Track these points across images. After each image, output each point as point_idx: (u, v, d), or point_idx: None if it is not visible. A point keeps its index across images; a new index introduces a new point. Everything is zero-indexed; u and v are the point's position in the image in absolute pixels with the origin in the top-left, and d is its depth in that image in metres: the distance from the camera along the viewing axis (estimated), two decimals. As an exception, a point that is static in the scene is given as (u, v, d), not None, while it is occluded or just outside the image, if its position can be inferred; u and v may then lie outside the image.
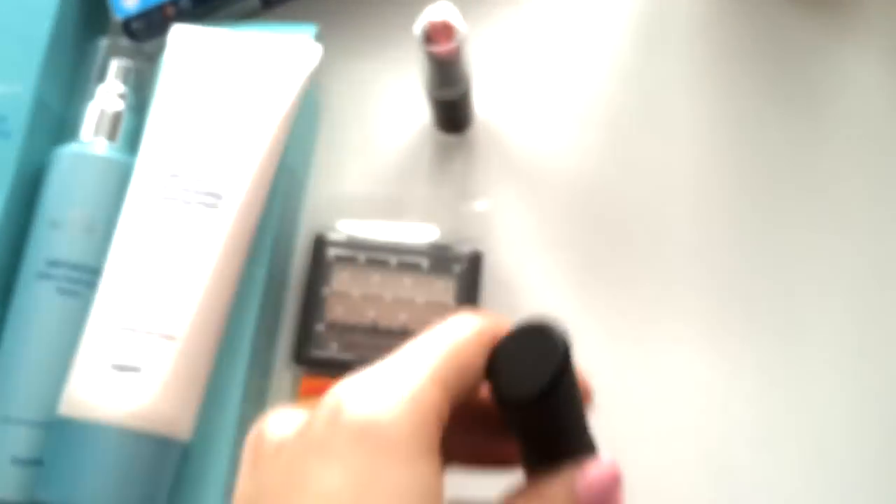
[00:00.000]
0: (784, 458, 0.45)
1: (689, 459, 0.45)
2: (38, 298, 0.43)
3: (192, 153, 0.43)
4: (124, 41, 0.49)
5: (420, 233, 0.47)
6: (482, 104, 0.50)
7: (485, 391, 0.27)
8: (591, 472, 0.25)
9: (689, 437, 0.45)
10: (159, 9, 0.49)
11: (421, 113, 0.51)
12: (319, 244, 0.47)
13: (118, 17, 0.49)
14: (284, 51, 0.46)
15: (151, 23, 0.49)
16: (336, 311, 0.46)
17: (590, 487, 0.25)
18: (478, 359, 0.25)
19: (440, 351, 0.25)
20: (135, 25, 0.49)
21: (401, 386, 0.24)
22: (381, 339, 0.45)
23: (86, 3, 0.50)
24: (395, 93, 0.51)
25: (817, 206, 0.48)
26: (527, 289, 0.48)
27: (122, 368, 0.39)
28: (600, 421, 0.28)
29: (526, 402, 0.25)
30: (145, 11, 0.49)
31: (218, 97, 0.44)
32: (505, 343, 0.26)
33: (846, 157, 0.49)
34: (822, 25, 0.51)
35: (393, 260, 0.46)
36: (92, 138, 0.46)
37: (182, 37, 0.46)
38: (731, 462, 0.45)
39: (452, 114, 0.48)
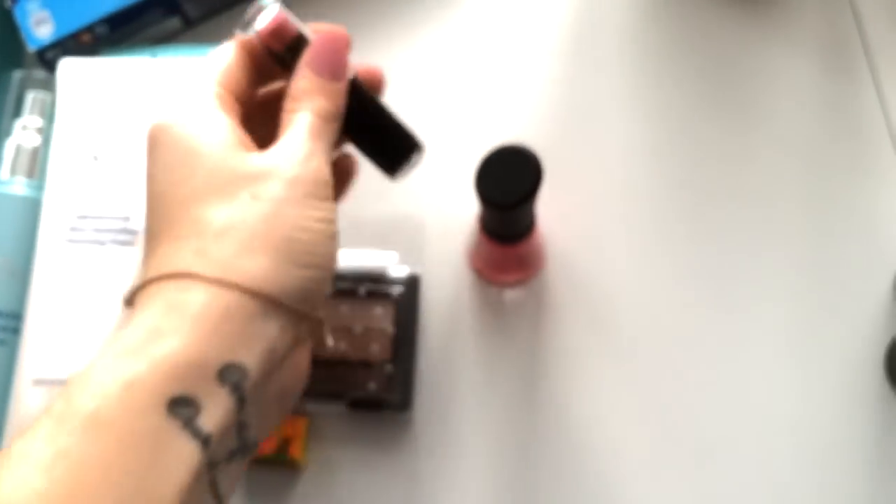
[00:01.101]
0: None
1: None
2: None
3: (99, 190, 0.42)
4: (40, 72, 0.48)
5: (378, 258, 0.46)
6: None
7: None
8: (314, 44, 0.33)
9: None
10: (74, 36, 0.47)
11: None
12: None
13: (31, 47, 0.47)
14: (186, 76, 0.45)
15: (67, 51, 0.47)
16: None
17: (314, 53, 0.33)
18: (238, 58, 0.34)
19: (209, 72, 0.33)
20: (50, 55, 0.47)
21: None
22: (321, 370, 0.44)
23: (-3, 35, 0.48)
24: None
25: (750, 215, 0.48)
26: (465, 311, 0.47)
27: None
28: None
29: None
30: (60, 40, 0.47)
31: (119, 128, 0.43)
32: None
33: (779, 164, 0.48)
34: (752, 25, 0.50)
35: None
36: (10, 177, 0.45)
37: (72, 70, 0.45)
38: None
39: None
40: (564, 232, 0.47)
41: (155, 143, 0.31)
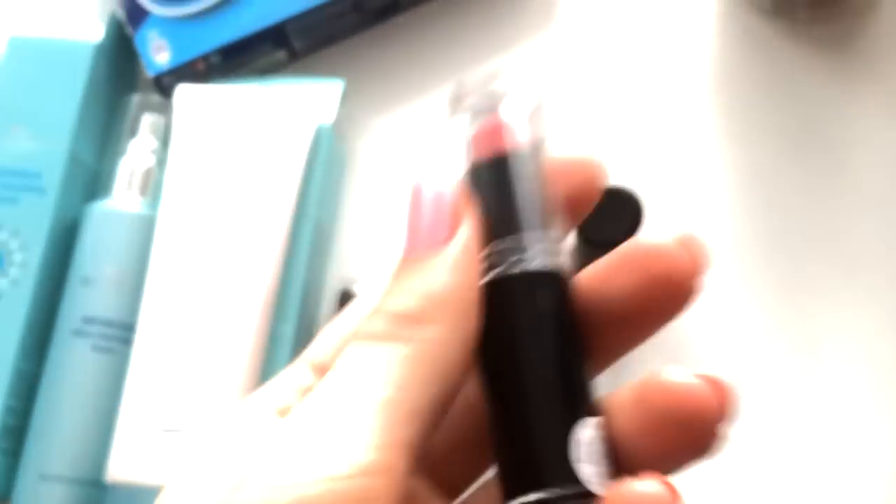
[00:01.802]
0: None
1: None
2: (73, 356, 0.44)
3: (212, 211, 0.44)
4: (155, 97, 0.50)
5: None
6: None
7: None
8: None
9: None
10: (190, 64, 0.50)
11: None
12: (346, 300, 0.48)
13: (150, 73, 0.50)
14: (297, 102, 0.47)
15: (182, 78, 0.50)
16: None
17: None
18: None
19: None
20: (166, 81, 0.50)
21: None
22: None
23: (118, 60, 0.51)
24: (421, 147, 0.52)
25: (832, 259, 0.48)
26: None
27: (169, 430, 0.40)
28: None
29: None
30: (176, 67, 0.50)
31: (231, 152, 0.46)
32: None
33: (861, 210, 0.49)
34: (839, 78, 0.52)
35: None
36: (124, 194, 0.47)
37: (188, 96, 0.47)
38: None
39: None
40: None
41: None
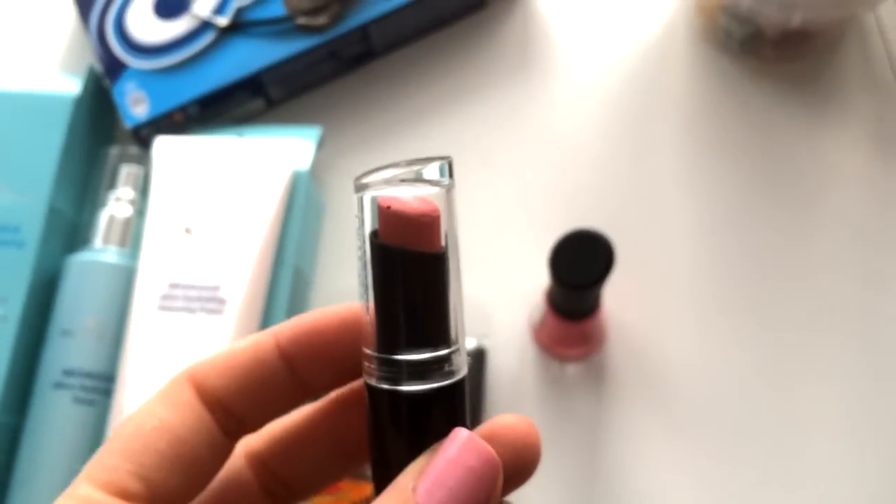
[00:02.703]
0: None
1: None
2: (54, 408, 0.44)
3: (191, 260, 0.45)
4: (134, 148, 0.51)
5: None
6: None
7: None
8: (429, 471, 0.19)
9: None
10: (168, 116, 0.51)
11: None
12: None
13: (128, 125, 0.50)
14: (274, 150, 0.48)
15: (161, 129, 0.51)
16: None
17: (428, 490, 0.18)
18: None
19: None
20: (144, 132, 0.51)
21: None
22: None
23: (96, 113, 0.51)
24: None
25: (806, 294, 0.49)
26: (528, 383, 0.49)
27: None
28: None
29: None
30: (154, 119, 0.50)
31: (209, 202, 0.46)
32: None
33: (834, 244, 0.50)
34: (806, 114, 0.53)
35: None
36: (102, 245, 0.48)
37: (166, 147, 0.48)
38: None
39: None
40: (626, 309, 0.49)
41: None
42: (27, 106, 0.49)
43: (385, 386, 0.20)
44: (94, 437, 0.43)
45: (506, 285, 0.50)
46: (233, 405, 0.21)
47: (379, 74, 0.55)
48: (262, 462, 0.22)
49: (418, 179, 0.20)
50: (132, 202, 0.49)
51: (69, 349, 0.45)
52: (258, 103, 0.53)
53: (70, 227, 0.49)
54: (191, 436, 0.20)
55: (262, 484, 0.22)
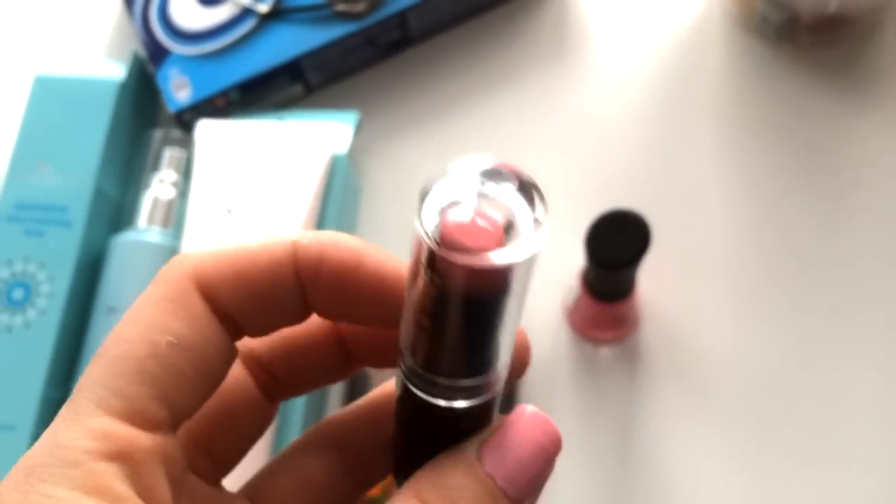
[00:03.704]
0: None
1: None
2: (99, 383, 0.45)
3: (231, 240, 0.45)
4: (176, 132, 0.52)
5: None
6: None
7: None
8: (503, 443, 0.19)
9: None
10: (209, 100, 0.52)
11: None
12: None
13: (171, 109, 0.51)
14: (313, 134, 0.49)
15: (202, 113, 0.52)
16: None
17: (507, 469, 0.18)
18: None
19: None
20: (187, 117, 0.52)
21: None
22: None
23: (140, 97, 0.53)
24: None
25: (842, 280, 0.49)
26: (561, 367, 0.49)
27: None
28: None
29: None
30: (196, 103, 0.51)
31: (250, 184, 0.47)
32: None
33: (870, 230, 0.50)
34: (843, 101, 0.53)
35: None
36: (147, 225, 0.49)
37: (209, 131, 0.49)
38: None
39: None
40: (660, 292, 0.49)
41: None
42: (74, 91, 0.51)
43: (422, 395, 0.19)
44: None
45: (540, 268, 0.50)
46: (243, 320, 0.19)
47: (416, 61, 0.56)
48: (256, 360, 0.21)
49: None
50: (175, 184, 0.50)
51: (114, 326, 0.46)
52: (297, 89, 0.54)
53: (115, 208, 0.51)
54: (210, 352, 0.18)
55: (255, 378, 0.21)
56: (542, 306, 0.50)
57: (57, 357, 0.46)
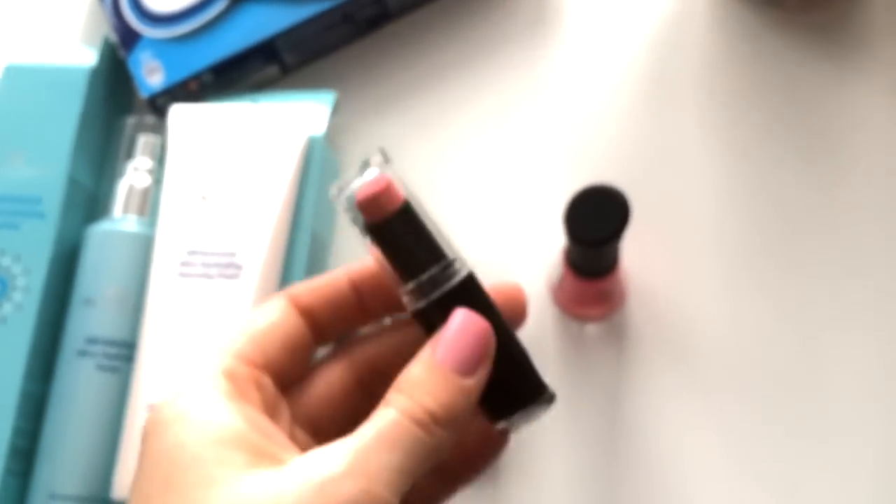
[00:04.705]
0: None
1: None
2: (78, 376, 0.44)
3: (207, 227, 0.45)
4: (150, 117, 0.51)
5: None
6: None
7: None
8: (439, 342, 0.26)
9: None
10: (183, 84, 0.51)
11: (441, 173, 0.52)
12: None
13: (143, 94, 0.50)
14: (288, 116, 0.48)
15: (176, 98, 0.51)
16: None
17: (451, 331, 0.26)
18: (278, 321, 0.28)
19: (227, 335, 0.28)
20: (160, 101, 0.51)
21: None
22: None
23: (112, 83, 0.52)
24: (417, 154, 0.52)
25: (832, 248, 0.48)
26: (547, 344, 0.48)
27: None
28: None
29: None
30: (169, 88, 0.50)
31: (225, 169, 0.46)
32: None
33: (861, 196, 0.49)
34: (832, 65, 0.51)
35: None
36: (122, 215, 0.48)
37: (182, 116, 0.48)
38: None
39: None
40: (646, 268, 0.49)
41: (142, 441, 0.25)
42: (44, 79, 0.50)
43: (420, 305, 0.27)
44: (118, 402, 0.44)
45: (524, 246, 0.50)
46: (318, 316, 0.29)
47: (394, 37, 0.54)
48: (310, 314, 0.29)
49: (362, 171, 0.28)
50: (150, 171, 0.49)
51: (91, 317, 0.45)
52: (273, 70, 0.53)
53: (90, 198, 0.50)
54: (293, 330, 0.28)
55: (309, 327, 0.29)
56: (527, 285, 0.49)
57: (35, 351, 0.45)
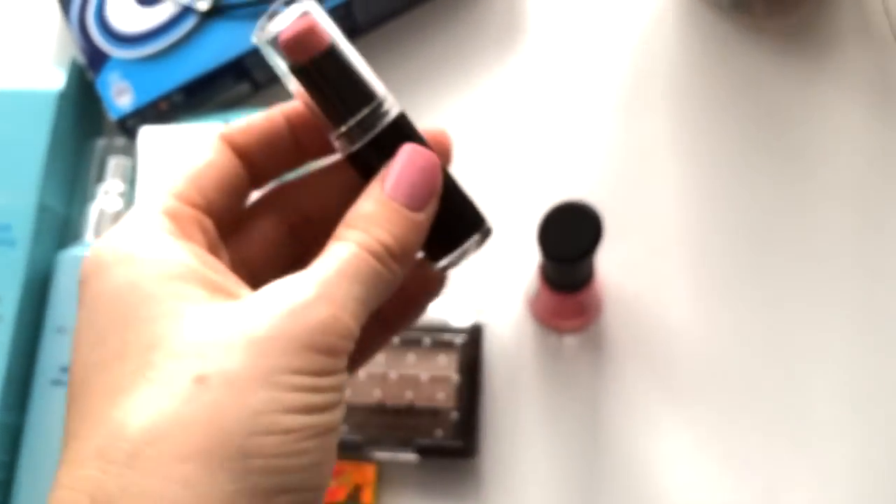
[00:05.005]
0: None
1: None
2: (54, 405, 0.44)
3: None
4: (121, 139, 0.51)
5: (455, 313, 0.48)
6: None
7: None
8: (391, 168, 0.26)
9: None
10: (153, 105, 0.50)
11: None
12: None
13: (113, 116, 0.50)
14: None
15: (146, 118, 0.50)
16: (344, 390, 0.47)
17: (400, 166, 0.26)
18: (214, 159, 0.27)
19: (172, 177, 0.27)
20: (130, 123, 0.50)
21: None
22: (389, 418, 0.46)
23: (81, 106, 0.51)
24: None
25: (804, 254, 0.48)
26: (526, 357, 0.48)
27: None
28: None
29: None
30: (139, 109, 0.50)
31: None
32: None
33: (832, 201, 0.49)
34: (801, 69, 0.52)
35: (395, 338, 0.47)
36: (93, 239, 0.47)
37: (152, 137, 0.48)
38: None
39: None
40: (621, 278, 0.49)
41: (82, 284, 0.24)
42: (11, 103, 0.49)
43: (353, 149, 0.26)
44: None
45: (500, 260, 0.50)
46: (253, 156, 0.27)
47: (363, 51, 0.53)
48: (244, 154, 0.28)
49: (281, 9, 0.26)
50: (121, 194, 0.49)
51: (65, 346, 0.45)
52: (244, 87, 0.53)
53: (61, 223, 0.49)
54: (229, 170, 0.27)
55: (245, 167, 0.28)
56: (504, 297, 0.49)
57: (9, 381, 0.45)
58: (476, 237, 0.28)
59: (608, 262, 0.47)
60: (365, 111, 0.26)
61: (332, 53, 0.26)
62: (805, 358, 0.47)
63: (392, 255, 0.25)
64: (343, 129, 0.26)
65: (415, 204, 0.25)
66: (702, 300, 0.48)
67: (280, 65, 0.27)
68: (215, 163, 0.27)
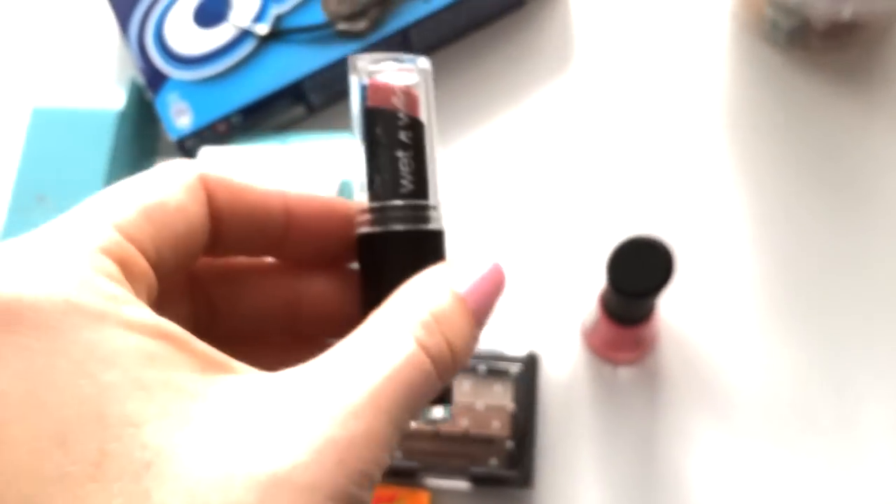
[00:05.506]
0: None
1: None
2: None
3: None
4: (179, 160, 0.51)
5: (510, 342, 0.48)
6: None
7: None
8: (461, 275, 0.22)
9: None
10: (211, 126, 0.51)
11: (469, 210, 0.52)
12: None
13: (172, 137, 0.50)
14: (319, 158, 0.48)
15: (204, 139, 0.51)
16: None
17: (481, 279, 0.22)
18: (181, 202, 0.21)
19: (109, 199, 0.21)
20: (189, 143, 0.51)
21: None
22: (443, 445, 0.46)
23: (140, 125, 0.52)
24: (449, 194, 0.52)
25: (864, 291, 0.48)
26: (581, 388, 0.48)
27: None
28: None
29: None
30: (198, 130, 0.50)
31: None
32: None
33: (884, 233, 0.49)
34: (858, 104, 0.52)
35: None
36: (153, 259, 0.48)
37: (212, 158, 0.48)
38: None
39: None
40: (678, 310, 0.49)
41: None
42: (73, 122, 0.49)
43: (378, 229, 0.23)
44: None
45: (558, 290, 0.50)
46: (230, 221, 0.22)
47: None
48: (222, 215, 0.23)
49: (397, 60, 0.24)
50: (179, 215, 0.49)
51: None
52: (299, 110, 0.53)
53: (119, 242, 0.49)
54: (200, 230, 0.21)
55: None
56: (560, 328, 0.49)
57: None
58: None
59: (666, 295, 0.47)
60: (414, 201, 0.23)
61: (412, 127, 0.23)
62: (864, 396, 0.47)
63: (456, 365, 0.21)
64: (382, 203, 0.23)
65: (480, 318, 0.22)
66: (757, 334, 0.48)
67: (357, 104, 0.24)
68: (184, 207, 0.21)
